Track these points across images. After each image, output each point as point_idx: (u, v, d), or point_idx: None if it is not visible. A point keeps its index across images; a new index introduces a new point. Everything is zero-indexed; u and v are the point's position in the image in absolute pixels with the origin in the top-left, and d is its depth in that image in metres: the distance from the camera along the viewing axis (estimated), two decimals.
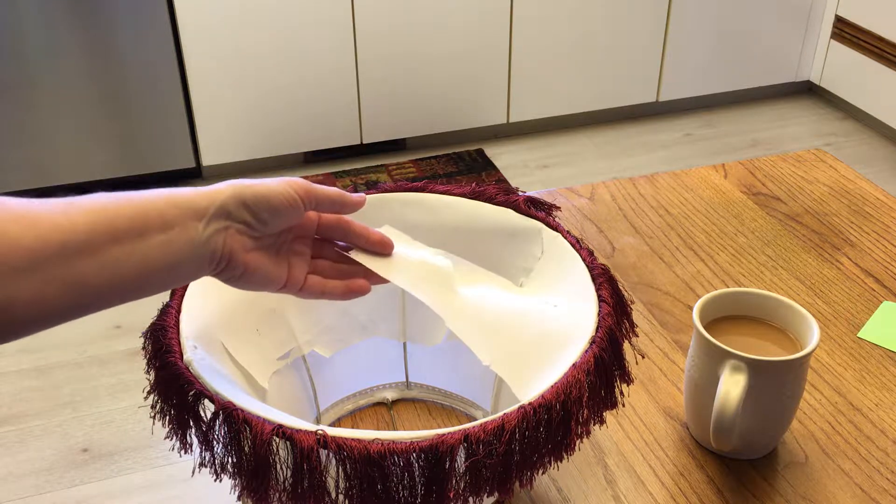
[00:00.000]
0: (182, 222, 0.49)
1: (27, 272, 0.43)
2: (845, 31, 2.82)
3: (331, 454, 0.49)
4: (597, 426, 0.59)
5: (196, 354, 0.56)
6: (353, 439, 0.49)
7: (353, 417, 0.75)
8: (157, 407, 0.56)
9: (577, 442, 0.55)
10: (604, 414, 0.58)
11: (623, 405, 0.70)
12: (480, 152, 2.76)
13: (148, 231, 0.48)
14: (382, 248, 0.61)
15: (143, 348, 0.59)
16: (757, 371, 0.63)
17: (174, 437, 0.56)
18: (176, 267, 0.50)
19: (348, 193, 0.59)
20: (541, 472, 0.54)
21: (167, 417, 0.56)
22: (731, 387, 0.62)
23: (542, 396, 0.53)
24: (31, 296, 0.44)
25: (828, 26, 2.89)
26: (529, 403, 0.52)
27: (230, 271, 0.53)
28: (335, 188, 0.58)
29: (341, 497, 0.50)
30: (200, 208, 0.50)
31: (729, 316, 0.70)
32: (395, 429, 0.74)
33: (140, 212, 0.48)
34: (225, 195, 0.51)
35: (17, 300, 0.43)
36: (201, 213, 0.50)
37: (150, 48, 2.33)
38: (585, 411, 0.55)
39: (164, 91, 2.40)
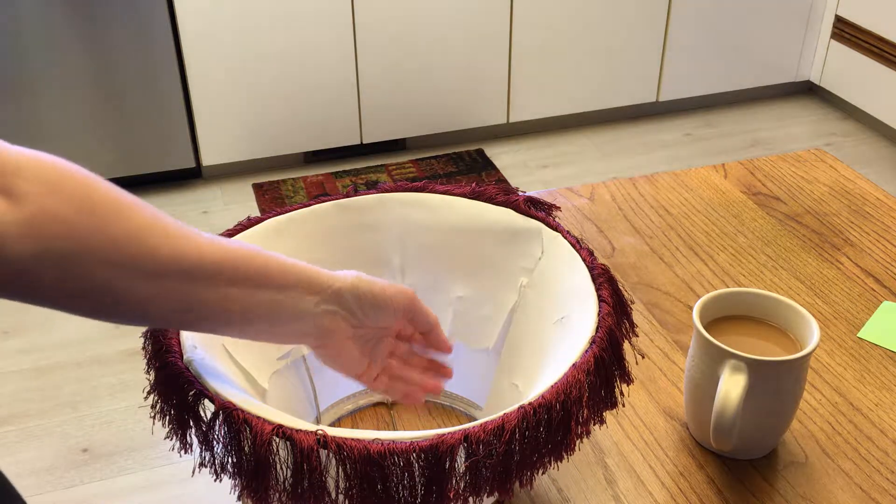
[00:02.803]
0: (298, 291, 0.55)
1: (152, 278, 0.49)
2: (845, 31, 2.82)
3: (331, 454, 0.49)
4: (597, 426, 0.59)
5: (196, 354, 0.56)
6: (353, 439, 0.49)
7: (352, 417, 0.75)
8: (157, 407, 0.56)
9: (577, 442, 0.55)
10: (604, 414, 0.58)
11: (623, 405, 0.70)
12: (480, 152, 2.76)
13: (265, 286, 0.54)
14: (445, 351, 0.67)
15: (143, 348, 0.59)
16: (757, 371, 0.63)
17: (174, 437, 0.56)
18: (279, 324, 0.56)
19: (442, 334, 0.65)
20: (541, 472, 0.54)
21: (167, 417, 0.56)
22: (731, 387, 0.62)
23: (542, 396, 0.53)
24: (147, 297, 0.50)
25: (828, 26, 2.89)
26: (529, 403, 0.52)
27: (326, 349, 0.59)
28: (435, 318, 0.64)
29: (341, 497, 0.50)
30: (320, 286, 0.56)
31: (729, 316, 0.70)
32: (395, 429, 0.74)
33: (266, 268, 0.54)
34: (345, 283, 0.57)
35: (133, 295, 0.49)
36: (318, 290, 0.56)
37: (150, 48, 2.33)
38: (585, 411, 0.55)
39: (164, 91, 2.40)
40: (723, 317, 0.70)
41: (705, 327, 0.67)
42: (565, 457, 0.55)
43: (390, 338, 0.64)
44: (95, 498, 1.63)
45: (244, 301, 0.53)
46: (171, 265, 0.50)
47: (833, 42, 2.88)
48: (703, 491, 0.67)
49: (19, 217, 0.46)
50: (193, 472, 0.57)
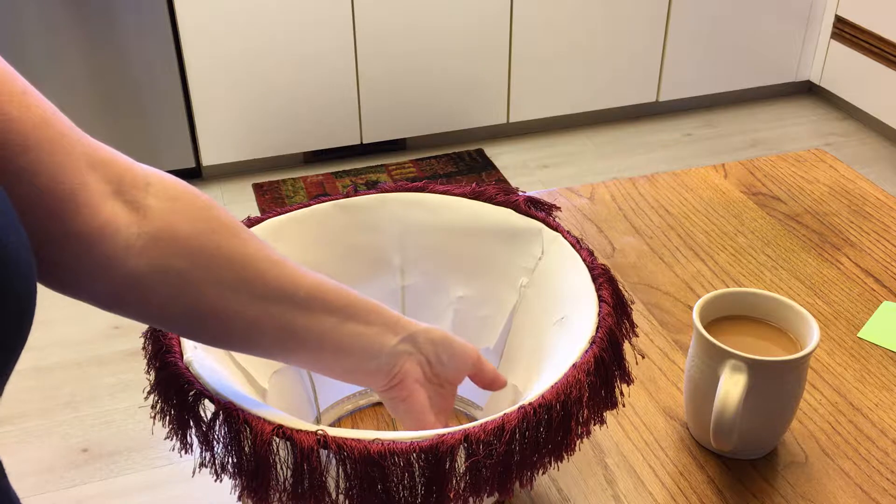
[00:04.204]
0: (380, 328, 0.57)
1: (259, 300, 0.51)
2: (845, 31, 2.82)
3: (331, 454, 0.49)
4: (596, 426, 0.59)
5: (196, 354, 0.56)
6: (353, 439, 0.49)
7: (352, 417, 0.75)
8: (158, 407, 0.56)
9: (578, 442, 0.55)
10: (604, 414, 0.58)
11: (623, 405, 0.70)
12: (480, 152, 2.76)
13: (353, 318, 0.56)
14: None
15: (143, 348, 0.59)
16: (757, 371, 0.63)
17: (174, 438, 0.56)
18: (356, 356, 0.57)
19: (500, 377, 0.65)
20: (541, 472, 0.54)
21: (167, 418, 0.56)
22: (731, 387, 0.62)
23: (542, 396, 0.53)
24: (254, 319, 0.52)
25: (828, 26, 2.89)
26: (529, 403, 0.52)
27: (397, 391, 0.60)
28: (494, 369, 0.65)
29: (341, 497, 0.50)
30: (398, 327, 0.58)
31: (729, 316, 0.70)
32: (394, 429, 0.74)
33: (352, 302, 0.56)
34: (419, 328, 0.59)
35: (242, 317, 0.51)
36: (397, 330, 0.58)
37: (150, 48, 2.33)
38: (585, 411, 0.55)
39: (164, 91, 2.40)
40: (723, 317, 0.70)
41: (705, 327, 0.67)
42: (565, 457, 0.55)
43: (451, 392, 0.64)
44: (95, 498, 1.63)
45: (336, 331, 0.55)
46: (277, 290, 0.52)
47: (833, 42, 2.88)
48: (703, 491, 0.67)
49: (144, 231, 0.47)
50: (194, 473, 0.57)
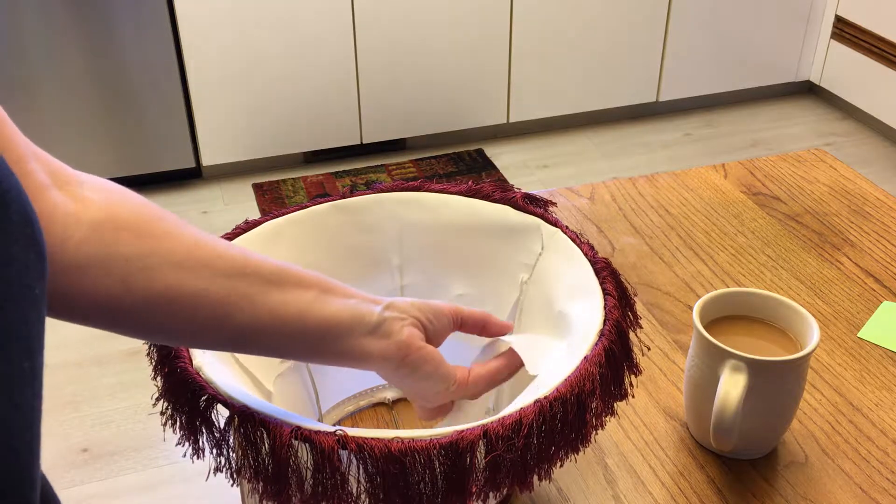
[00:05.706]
0: (359, 299, 0.54)
1: (227, 276, 0.49)
2: (845, 31, 2.82)
3: (351, 454, 0.49)
4: (607, 418, 0.59)
5: (205, 359, 0.56)
6: (373, 438, 0.49)
7: (353, 418, 0.75)
8: (168, 413, 0.56)
9: (593, 434, 0.55)
10: (615, 405, 0.58)
11: (633, 396, 0.70)
12: (480, 152, 2.76)
13: (330, 291, 0.53)
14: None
15: (148, 354, 0.58)
16: (757, 371, 0.63)
17: (186, 443, 0.55)
18: (346, 331, 0.53)
19: (493, 318, 0.62)
20: (559, 465, 0.55)
21: (178, 423, 0.56)
22: (731, 387, 0.62)
23: (557, 390, 0.53)
24: (225, 295, 0.49)
25: (828, 26, 2.89)
26: (545, 397, 0.52)
27: (415, 354, 0.55)
28: (481, 311, 0.62)
29: (363, 496, 0.50)
30: (373, 298, 0.55)
31: (729, 316, 0.70)
32: (396, 428, 0.74)
33: (324, 278, 0.53)
34: (391, 298, 0.56)
35: (211, 296, 0.49)
36: (375, 300, 0.55)
37: (150, 48, 2.33)
38: (599, 403, 0.55)
39: (164, 91, 2.40)
40: (723, 317, 0.70)
41: (705, 327, 0.67)
42: (582, 449, 0.55)
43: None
44: (95, 498, 1.63)
45: (318, 304, 0.52)
46: (240, 266, 0.50)
47: (833, 42, 2.88)
48: (703, 491, 0.67)
49: (85, 219, 0.46)
50: (208, 477, 0.57)
